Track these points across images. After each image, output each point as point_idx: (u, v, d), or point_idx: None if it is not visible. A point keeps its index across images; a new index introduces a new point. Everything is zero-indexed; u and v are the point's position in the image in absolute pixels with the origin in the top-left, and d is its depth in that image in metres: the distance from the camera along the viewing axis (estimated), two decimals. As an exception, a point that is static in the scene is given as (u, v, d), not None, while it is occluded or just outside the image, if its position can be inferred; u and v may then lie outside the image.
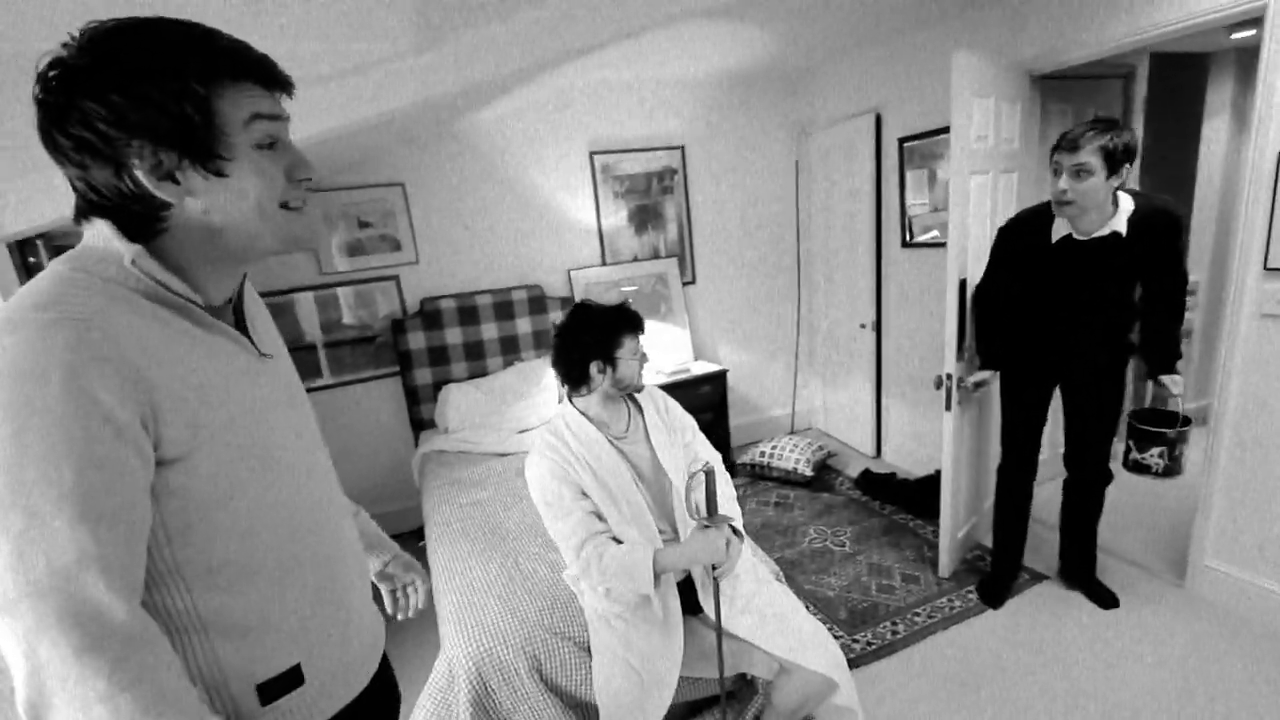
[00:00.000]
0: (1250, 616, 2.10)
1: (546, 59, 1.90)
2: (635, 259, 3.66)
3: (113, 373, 0.57)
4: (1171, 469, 1.96)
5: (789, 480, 3.46)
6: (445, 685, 1.56)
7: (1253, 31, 2.67)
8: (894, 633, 2.23)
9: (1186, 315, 3.18)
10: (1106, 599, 2.25)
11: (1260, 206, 1.89)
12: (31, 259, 1.66)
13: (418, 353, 3.20)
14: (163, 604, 0.65)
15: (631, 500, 1.50)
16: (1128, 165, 1.77)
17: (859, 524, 2.99)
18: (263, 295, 2.94)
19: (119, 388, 0.57)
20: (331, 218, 3.04)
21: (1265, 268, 1.91)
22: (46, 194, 1.45)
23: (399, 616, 1.12)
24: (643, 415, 1.63)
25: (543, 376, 3.22)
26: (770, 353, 4.15)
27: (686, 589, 1.57)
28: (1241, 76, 3.15)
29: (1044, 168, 2.54)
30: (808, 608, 2.40)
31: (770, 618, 1.55)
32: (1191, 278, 3.29)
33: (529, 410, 3.09)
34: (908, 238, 3.30)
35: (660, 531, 1.54)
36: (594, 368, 1.50)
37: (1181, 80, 3.16)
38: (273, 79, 0.68)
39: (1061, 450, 2.28)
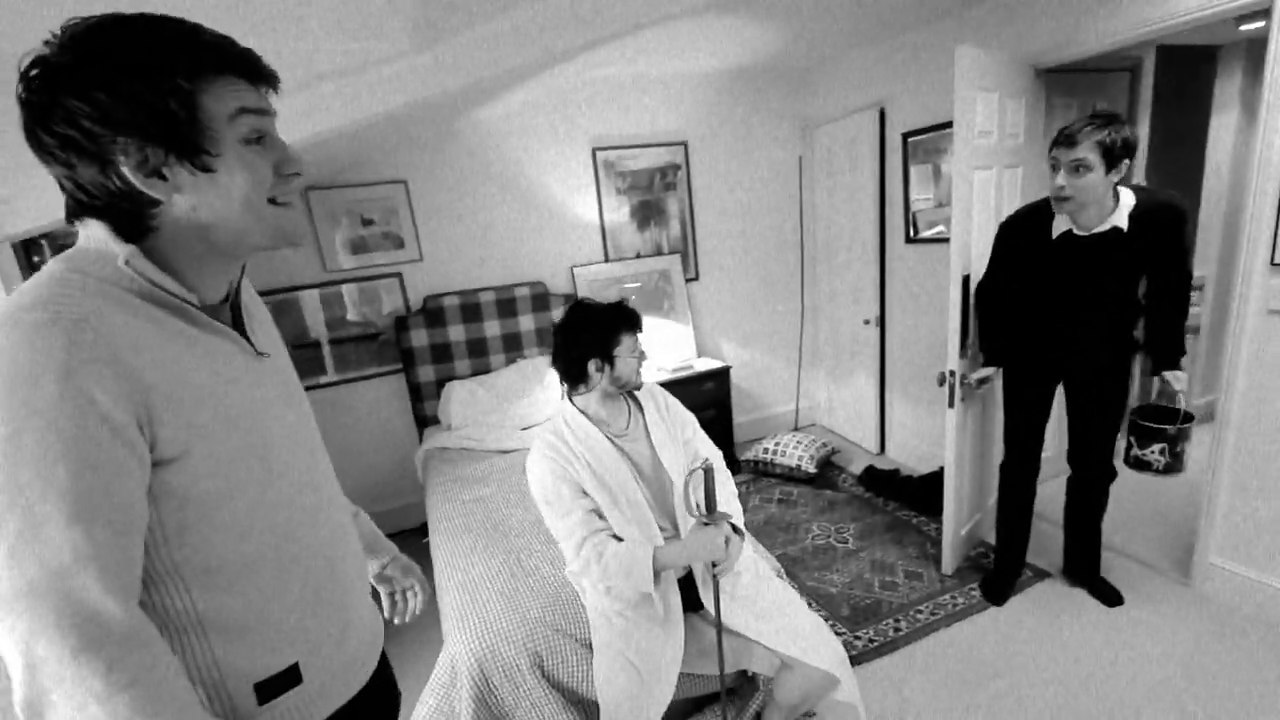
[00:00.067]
0: (1256, 615, 2.09)
1: (548, 57, 1.89)
2: (638, 255, 3.66)
3: (108, 373, 0.57)
4: (1173, 466, 1.95)
5: (792, 477, 3.45)
6: (448, 681, 1.56)
7: (1262, 23, 2.64)
8: (896, 630, 2.22)
9: (1193, 311, 3.18)
10: (1111, 597, 2.24)
11: (1268, 201, 1.87)
12: (36, 258, 1.67)
13: (421, 350, 3.21)
14: (161, 603, 0.65)
15: (631, 498, 1.50)
16: (1127, 160, 1.76)
17: (862, 521, 2.98)
18: (267, 293, 2.97)
19: (114, 388, 0.57)
20: (335, 215, 3.05)
21: (1272, 263, 1.90)
22: (50, 194, 1.46)
23: (396, 621, 1.12)
24: (643, 413, 1.64)
25: (545, 374, 3.22)
26: (774, 349, 4.14)
27: (688, 586, 1.58)
28: (1250, 69, 3.11)
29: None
30: (810, 604, 2.40)
31: (771, 614, 1.55)
32: (1199, 273, 3.27)
33: (532, 407, 3.10)
34: (912, 233, 3.28)
35: (661, 529, 1.54)
36: (592, 366, 1.50)
37: (1189, 73, 3.13)
38: (258, 73, 0.68)
39: (1066, 447, 2.26)
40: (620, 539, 1.46)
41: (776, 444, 3.53)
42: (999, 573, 2.37)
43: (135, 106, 0.59)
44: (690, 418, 1.73)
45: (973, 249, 2.27)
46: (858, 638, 2.20)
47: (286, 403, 0.80)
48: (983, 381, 2.28)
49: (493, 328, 3.32)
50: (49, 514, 0.54)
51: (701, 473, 1.41)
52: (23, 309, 0.57)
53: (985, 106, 2.21)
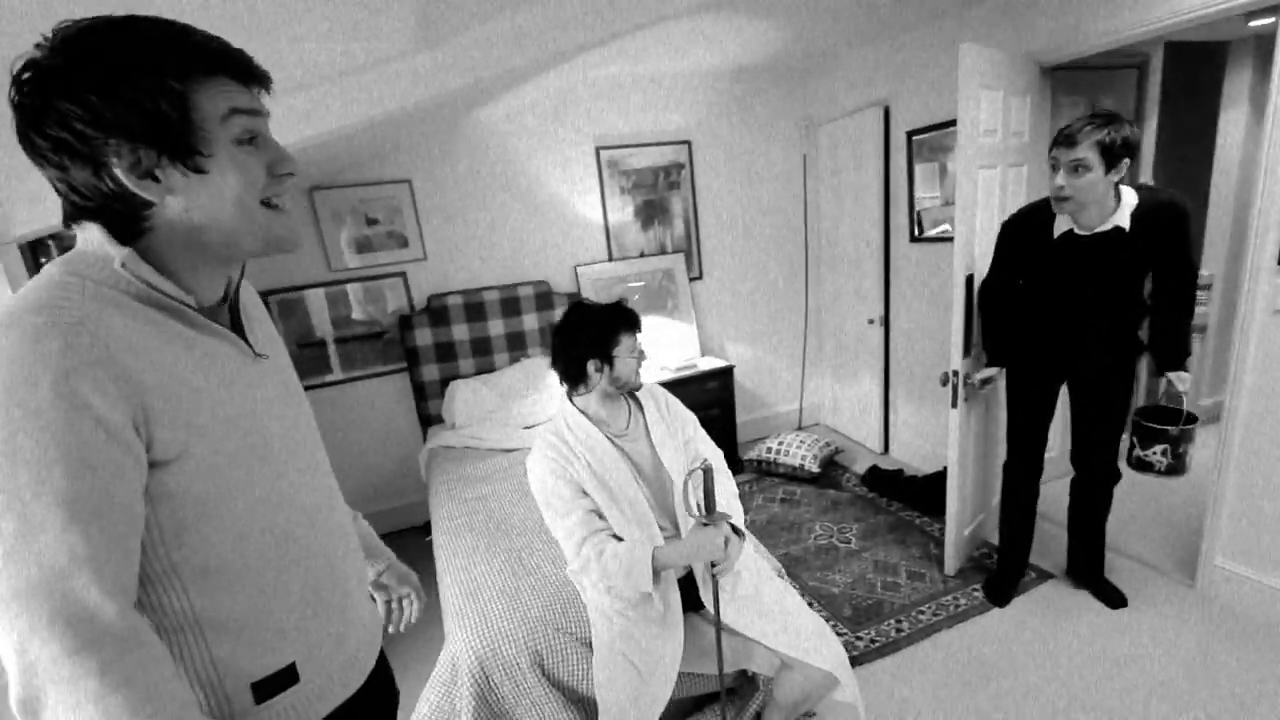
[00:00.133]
0: (1262, 617, 2.08)
1: (550, 56, 1.90)
2: (642, 254, 3.66)
3: (104, 376, 0.58)
4: (1175, 468, 1.94)
5: (795, 476, 3.45)
6: (448, 679, 1.58)
7: (1271, 19, 2.61)
8: (898, 630, 2.22)
9: (1201, 310, 3.15)
10: (1114, 598, 2.23)
11: (1275, 200, 1.85)
12: (43, 259, 1.69)
13: (425, 349, 3.22)
14: (159, 603, 0.66)
15: (632, 498, 1.51)
16: (1127, 160, 1.74)
17: (865, 521, 2.98)
18: (273, 292, 2.99)
19: (111, 390, 0.58)
20: (340, 214, 3.07)
21: None
22: (56, 196, 1.48)
23: (391, 629, 1.09)
24: (643, 413, 1.64)
25: (548, 373, 3.23)
26: (777, 348, 4.13)
27: (688, 586, 1.58)
28: (1260, 65, 3.07)
29: (1054, 161, 2.50)
30: (811, 604, 2.40)
31: (772, 614, 1.55)
32: (1206, 272, 3.24)
33: (535, 406, 3.11)
34: (916, 232, 3.27)
35: (661, 528, 1.55)
36: (591, 366, 1.51)
37: (1197, 70, 3.10)
38: (250, 74, 0.68)
39: (1070, 448, 2.25)
40: (620, 539, 1.47)
41: (780, 443, 3.53)
42: (1002, 574, 2.36)
43: (127, 108, 0.60)
44: (690, 417, 1.73)
45: (976, 248, 2.26)
46: (859, 638, 2.20)
47: (285, 403, 0.81)
48: (986, 382, 2.27)
49: (496, 327, 3.33)
50: (45, 515, 0.55)
51: (701, 473, 1.41)
52: (20, 312, 0.58)
53: (989, 105, 2.19)
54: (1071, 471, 2.25)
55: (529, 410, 3.10)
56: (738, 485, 3.37)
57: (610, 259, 3.59)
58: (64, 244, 1.78)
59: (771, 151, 3.83)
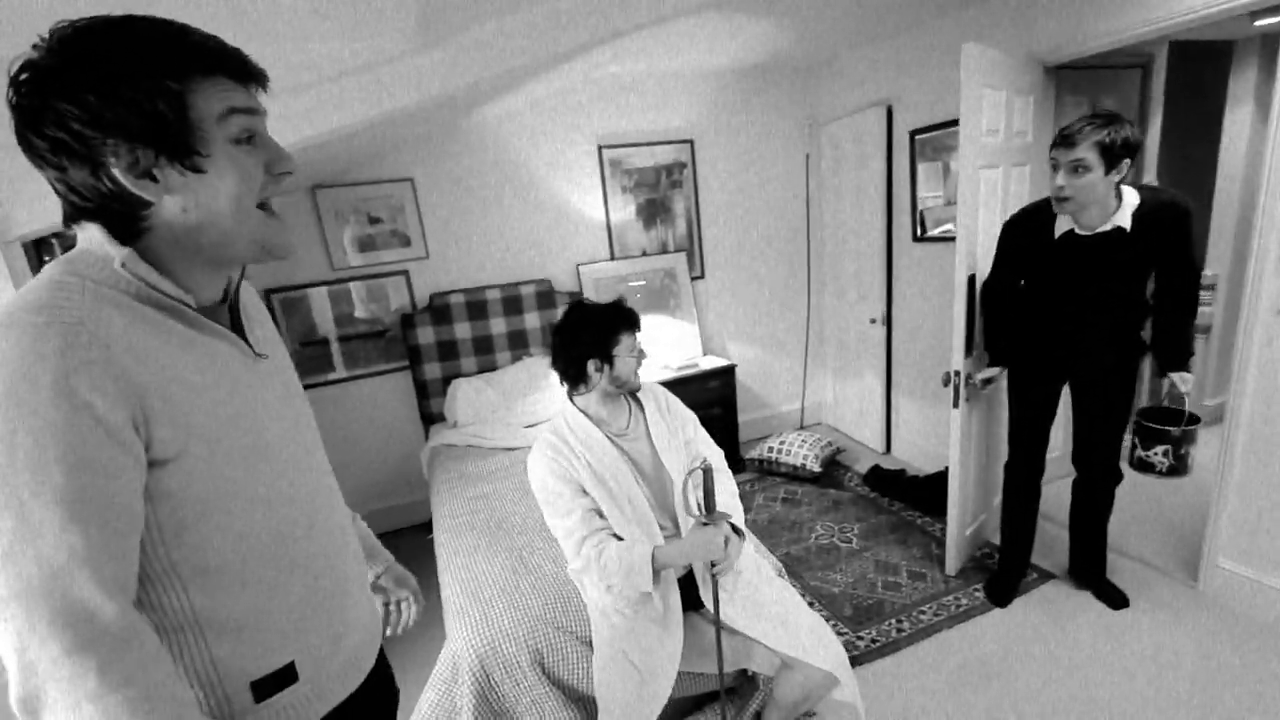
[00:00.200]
0: (1264, 618, 2.07)
1: (552, 56, 1.89)
2: (644, 253, 3.66)
3: (103, 375, 0.58)
4: (1177, 468, 1.93)
5: (797, 476, 3.45)
6: (449, 677, 1.58)
7: (1276, 19, 2.59)
8: (899, 630, 2.22)
9: (1205, 310, 3.14)
10: (1116, 599, 2.22)
11: (1279, 200, 1.84)
12: (46, 258, 1.69)
13: (427, 347, 3.23)
14: (158, 602, 0.66)
15: (632, 497, 1.51)
16: (1128, 160, 1.74)
17: (866, 520, 2.98)
18: (276, 290, 2.99)
19: (109, 390, 0.58)
20: (343, 213, 3.07)
21: (1283, 263, 1.87)
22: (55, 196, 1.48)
23: (389, 632, 1.09)
24: (643, 412, 1.64)
25: (550, 372, 3.22)
26: (779, 347, 4.13)
27: (688, 585, 1.58)
28: (1265, 65, 3.06)
29: (1057, 161, 2.49)
30: (811, 604, 2.40)
31: (771, 614, 1.55)
32: (1211, 272, 3.23)
33: (537, 405, 3.11)
34: (919, 232, 3.26)
35: (661, 528, 1.55)
36: (591, 366, 1.51)
37: (1202, 69, 3.08)
38: (246, 73, 0.68)
39: (1072, 448, 2.24)
40: (621, 538, 1.47)
41: (781, 443, 3.53)
42: (1003, 574, 2.36)
43: (124, 108, 0.60)
44: (691, 416, 1.73)
45: (979, 248, 2.26)
46: (860, 638, 2.20)
47: (285, 404, 0.81)
48: (988, 382, 2.27)
49: (499, 325, 3.34)
50: (44, 514, 0.55)
51: (700, 472, 1.41)
52: (20, 312, 0.58)
53: (992, 104, 2.19)
54: (1073, 472, 2.25)
55: (531, 409, 3.10)
56: (739, 484, 3.39)
57: (612, 258, 3.59)
58: (67, 243, 1.78)
59: (774, 151, 3.82)
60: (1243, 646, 1.98)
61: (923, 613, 2.30)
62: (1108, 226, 1.84)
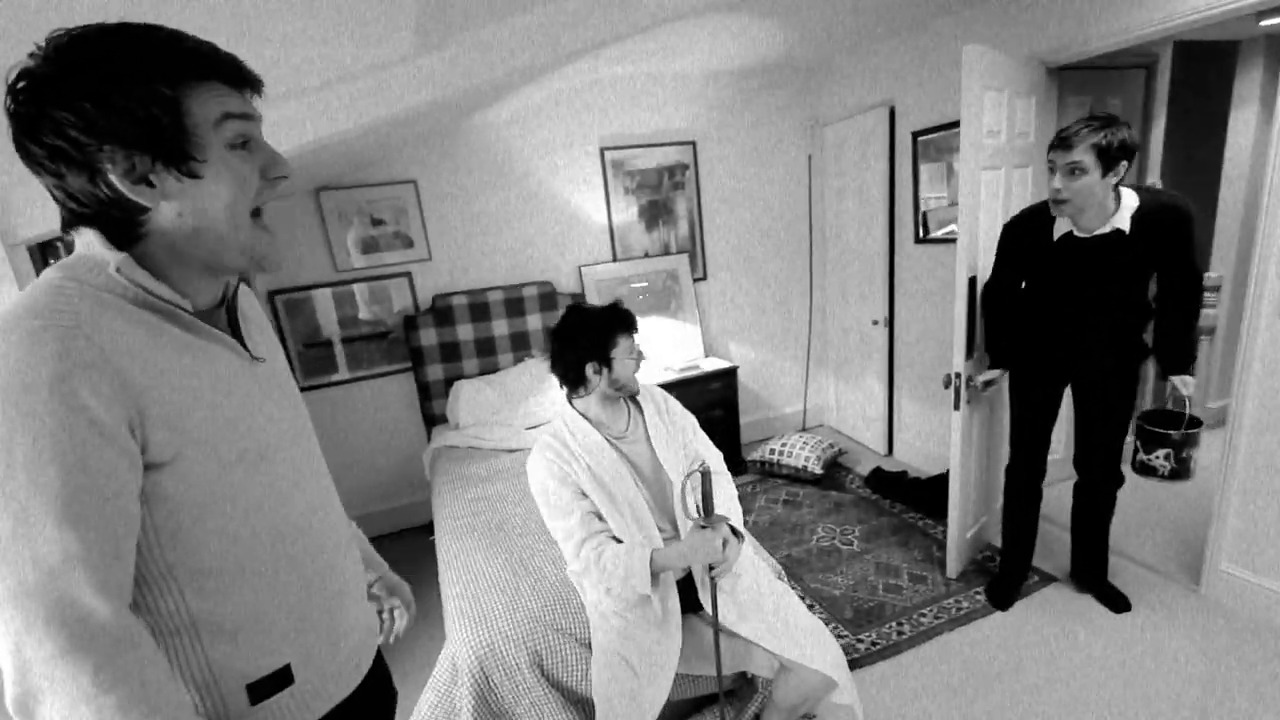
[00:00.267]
0: (1267, 622, 2.06)
1: (554, 58, 1.90)
2: (646, 255, 3.66)
3: (100, 378, 0.59)
4: (1179, 472, 1.92)
5: (798, 478, 3.45)
6: (449, 679, 1.59)
7: (1282, 19, 2.58)
8: (899, 633, 2.22)
9: (1210, 312, 3.12)
10: (1118, 602, 2.21)
11: (1282, 202, 1.84)
12: (51, 260, 1.71)
13: (430, 349, 3.24)
14: (154, 605, 0.67)
15: (631, 500, 1.51)
16: (1125, 163, 1.74)
17: (868, 523, 2.97)
18: (280, 292, 3.01)
19: (106, 393, 0.59)
20: (346, 215, 3.09)
21: (1287, 265, 1.86)
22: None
23: (379, 640, 1.07)
24: (642, 415, 1.64)
25: (552, 373, 3.24)
26: (782, 349, 4.13)
27: (687, 588, 1.58)
28: (1271, 65, 3.04)
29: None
30: (811, 606, 2.40)
31: (770, 616, 1.56)
32: (1215, 274, 3.21)
33: (539, 406, 3.12)
34: (922, 233, 3.25)
35: (661, 530, 1.55)
36: (590, 369, 1.51)
37: (1207, 70, 3.07)
38: (241, 78, 0.69)
39: (1073, 451, 2.24)
40: (620, 540, 1.47)
41: (783, 444, 3.52)
42: (1004, 577, 2.35)
43: (120, 115, 0.61)
44: (690, 419, 1.74)
45: (980, 250, 2.25)
46: (860, 640, 2.20)
47: (282, 407, 0.81)
48: (988, 384, 2.26)
49: (501, 327, 3.35)
50: (40, 516, 0.55)
51: (699, 475, 1.42)
52: (17, 316, 0.59)
53: (994, 106, 2.18)
54: (1075, 474, 2.24)
55: (532, 411, 3.11)
56: (741, 486, 3.40)
57: (614, 259, 3.60)
58: (72, 246, 1.79)
59: (776, 152, 3.82)
60: (1245, 650, 1.97)
61: (923, 615, 2.30)
62: (1106, 229, 1.84)
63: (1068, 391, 2.18)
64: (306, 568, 0.79)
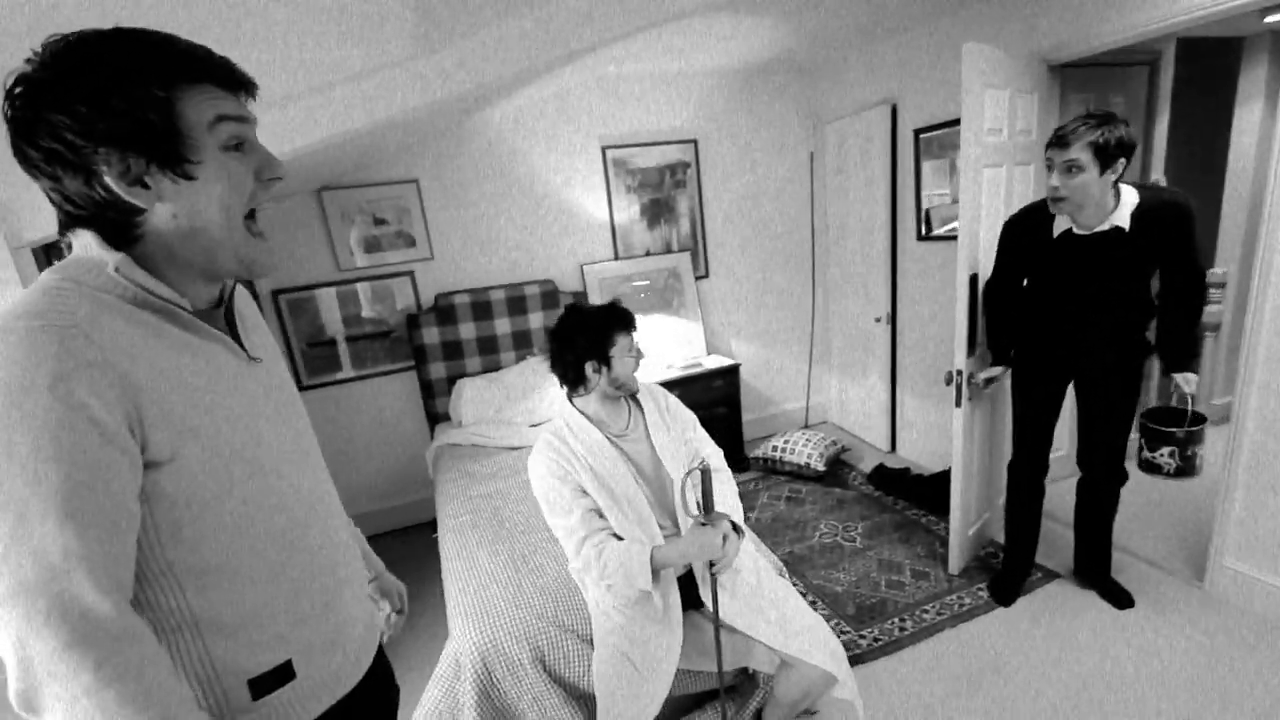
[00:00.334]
0: (1272, 618, 2.05)
1: (556, 57, 1.90)
2: (648, 253, 3.67)
3: (99, 377, 0.59)
4: (1184, 469, 1.92)
5: (801, 475, 3.45)
6: (452, 675, 1.60)
7: (1287, 14, 2.56)
8: (902, 629, 2.22)
9: (1215, 309, 3.11)
10: (1121, 598, 2.21)
11: (1286, 197, 1.83)
12: (56, 262, 1.71)
13: (432, 347, 3.25)
14: (155, 602, 0.67)
15: (632, 497, 1.52)
16: (1123, 160, 1.73)
17: (871, 519, 2.97)
18: (285, 291, 3.02)
19: (105, 392, 0.60)
20: (348, 214, 3.10)
21: (1291, 260, 1.86)
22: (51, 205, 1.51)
23: None
24: (643, 413, 1.65)
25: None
26: (784, 346, 4.13)
27: (688, 584, 1.59)
28: (1275, 61, 3.02)
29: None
30: (814, 603, 2.41)
31: (771, 613, 1.56)
32: (1220, 270, 3.20)
33: (541, 404, 3.13)
34: (924, 230, 3.25)
35: (661, 527, 1.56)
36: (589, 368, 1.52)
37: (1211, 66, 3.05)
38: (234, 80, 0.70)
39: (1076, 448, 2.23)
40: (621, 538, 1.48)
41: (786, 441, 3.53)
42: (1007, 573, 2.35)
43: (114, 117, 0.62)
44: (691, 417, 1.74)
45: (981, 248, 2.25)
46: (862, 636, 2.20)
47: (280, 407, 0.82)
48: (990, 381, 2.26)
49: (503, 325, 3.36)
50: (41, 514, 0.56)
51: (699, 473, 1.42)
52: (16, 317, 0.59)
53: (994, 103, 2.18)
54: (1079, 471, 2.24)
55: (535, 408, 3.12)
56: (743, 483, 3.41)
57: (616, 258, 3.60)
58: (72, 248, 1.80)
59: (778, 150, 3.82)
60: (1249, 646, 1.97)
61: (925, 612, 2.30)
62: (1105, 226, 1.84)
63: (1071, 389, 2.17)
64: (306, 565, 0.80)
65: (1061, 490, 2.69)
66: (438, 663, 1.64)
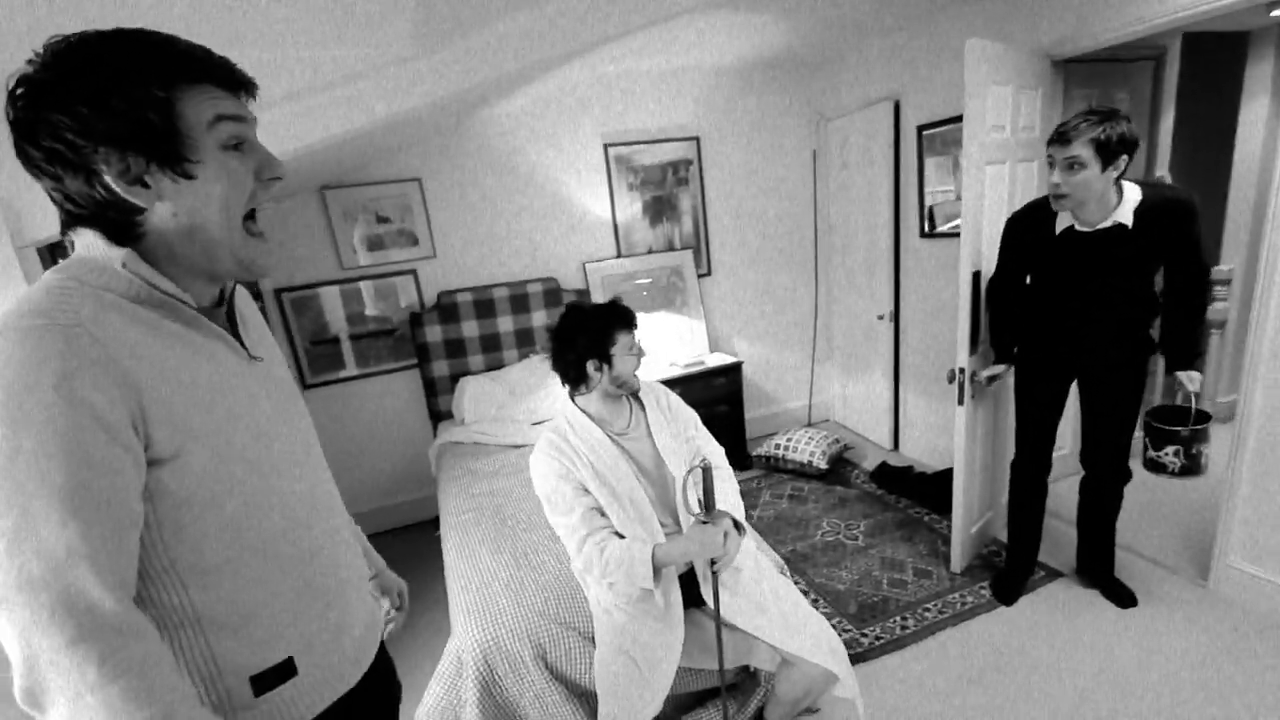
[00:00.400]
0: (1277, 618, 2.04)
1: (558, 54, 1.90)
2: (650, 251, 3.66)
3: (103, 376, 0.60)
4: (1189, 468, 1.91)
5: (803, 473, 3.45)
6: (454, 672, 1.60)
7: (1294, 8, 2.54)
8: (903, 628, 2.22)
9: (1221, 306, 3.09)
10: (1124, 597, 2.20)
11: (1292, 194, 1.82)
12: (61, 261, 1.73)
13: (435, 345, 3.26)
14: (158, 599, 0.68)
15: (634, 496, 1.52)
16: (1125, 156, 1.72)
17: (873, 517, 2.97)
18: (288, 290, 3.03)
19: (109, 391, 0.60)
20: (351, 213, 3.11)
21: (1295, 257, 1.84)
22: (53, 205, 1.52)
23: None
24: (644, 411, 1.65)
25: (557, 369, 3.25)
26: (787, 344, 4.12)
27: (689, 582, 1.59)
28: (1283, 55, 3.00)
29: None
30: (815, 601, 2.41)
31: (772, 610, 1.56)
32: (1226, 267, 3.18)
33: (543, 402, 3.13)
34: (927, 228, 3.24)
35: (663, 525, 1.56)
36: (590, 366, 1.52)
37: (1217, 61, 3.03)
38: (234, 80, 0.70)
39: (1079, 447, 2.23)
40: (622, 536, 1.48)
41: (788, 440, 3.52)
42: (1010, 572, 2.35)
43: (113, 117, 0.62)
44: (692, 415, 1.74)
45: (984, 245, 2.24)
46: (864, 635, 2.20)
47: (281, 405, 0.82)
48: (993, 379, 2.26)
49: (505, 323, 3.36)
50: (46, 511, 0.57)
51: (700, 471, 1.43)
52: (20, 317, 0.60)
53: (997, 100, 2.17)
54: (1082, 470, 2.23)
55: (537, 406, 3.12)
56: (746, 482, 3.41)
57: (619, 256, 3.60)
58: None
59: (781, 147, 3.81)
60: (1253, 646, 1.96)
61: (927, 610, 2.30)
62: (1108, 223, 1.83)
63: (1075, 387, 2.17)
64: (307, 562, 0.80)
65: (1064, 489, 2.69)
66: (440, 660, 1.64)
